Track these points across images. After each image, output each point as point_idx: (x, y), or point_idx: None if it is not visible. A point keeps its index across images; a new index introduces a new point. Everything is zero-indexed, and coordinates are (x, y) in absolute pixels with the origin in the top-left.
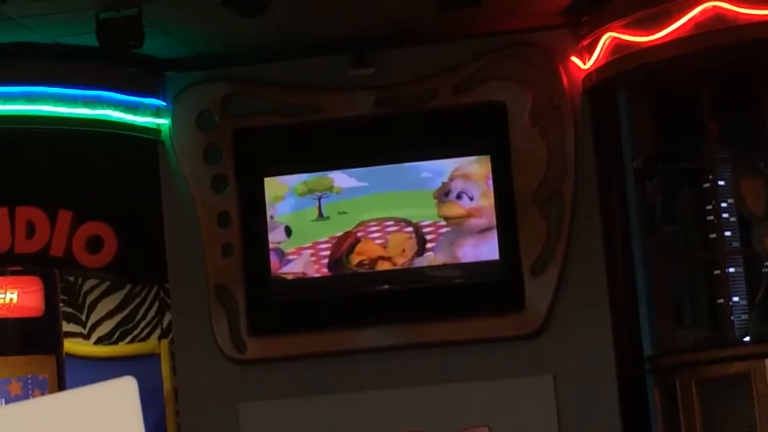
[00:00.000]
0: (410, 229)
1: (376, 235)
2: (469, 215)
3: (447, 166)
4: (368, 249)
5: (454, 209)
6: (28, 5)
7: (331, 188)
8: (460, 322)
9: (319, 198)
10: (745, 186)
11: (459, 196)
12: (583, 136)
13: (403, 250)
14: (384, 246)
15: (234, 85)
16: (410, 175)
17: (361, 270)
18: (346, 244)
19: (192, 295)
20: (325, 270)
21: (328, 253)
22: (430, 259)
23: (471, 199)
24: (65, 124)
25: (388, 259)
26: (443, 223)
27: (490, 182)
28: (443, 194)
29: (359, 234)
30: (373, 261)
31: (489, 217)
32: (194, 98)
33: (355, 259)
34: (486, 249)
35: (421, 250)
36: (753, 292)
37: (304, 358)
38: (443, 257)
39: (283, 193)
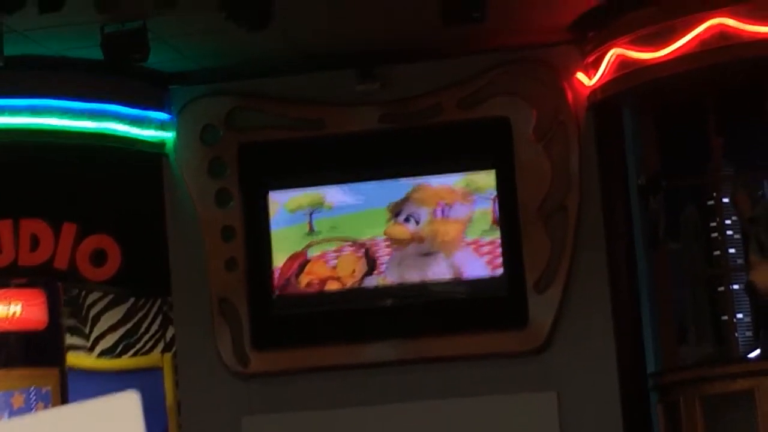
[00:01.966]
0: (354, 247)
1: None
2: (411, 239)
3: (406, 185)
4: (317, 269)
5: (399, 231)
6: (33, 18)
7: (322, 204)
8: (463, 338)
9: (310, 213)
10: (740, 197)
11: (407, 219)
12: (587, 151)
13: (353, 271)
14: (333, 266)
15: (239, 99)
16: (404, 191)
17: (311, 291)
18: (296, 264)
19: (195, 309)
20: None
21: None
22: (379, 279)
23: (417, 223)
24: (70, 137)
25: (337, 279)
26: (383, 239)
27: (439, 210)
28: (395, 214)
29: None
30: (323, 281)
31: (429, 244)
32: (199, 112)
33: (304, 280)
34: (431, 271)
35: (370, 270)
36: (757, 309)
37: (307, 372)
38: (392, 278)
39: (274, 209)
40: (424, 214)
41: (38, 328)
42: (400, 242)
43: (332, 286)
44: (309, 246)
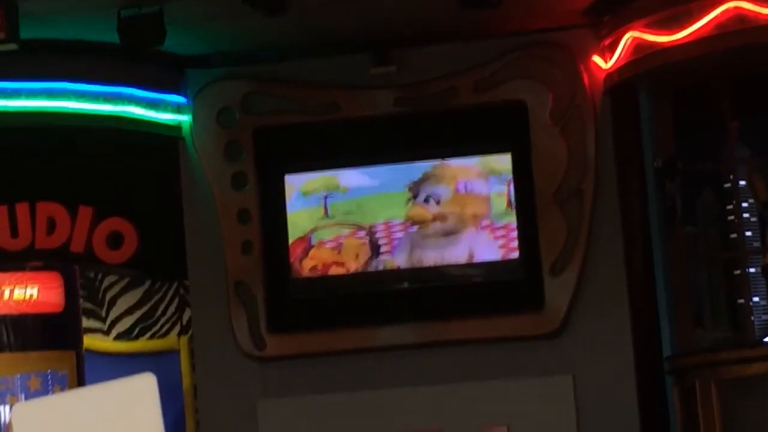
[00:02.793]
0: (362, 233)
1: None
2: (433, 219)
3: (422, 168)
4: (321, 254)
5: (420, 212)
6: (50, 2)
7: (337, 187)
8: (479, 321)
9: (325, 197)
10: (755, 179)
11: (426, 200)
12: (603, 135)
13: (357, 255)
14: (338, 251)
15: (255, 82)
16: (420, 174)
17: (314, 275)
18: (300, 249)
19: (211, 292)
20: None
21: None
22: (386, 262)
23: (438, 203)
24: (86, 120)
25: (342, 264)
26: (397, 222)
27: (461, 185)
28: (413, 196)
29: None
30: (327, 266)
31: (453, 222)
32: (215, 95)
33: (308, 264)
34: (448, 253)
35: (375, 254)
36: None
37: (323, 356)
38: (400, 261)
39: (289, 193)
40: (446, 191)
41: (55, 311)
42: (423, 224)
43: (337, 270)
44: (313, 230)
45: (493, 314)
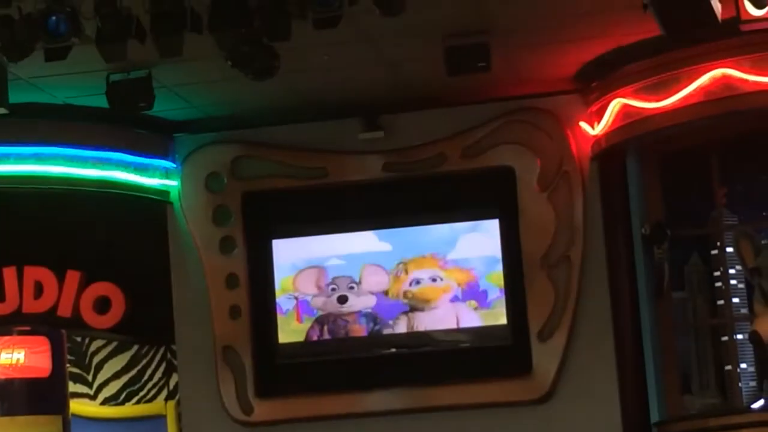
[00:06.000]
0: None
1: None
2: (443, 291)
3: (410, 234)
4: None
5: (432, 293)
6: (39, 66)
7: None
8: (467, 387)
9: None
10: (743, 245)
11: (434, 279)
12: (591, 201)
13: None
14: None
15: (243, 147)
16: (409, 239)
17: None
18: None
19: (199, 357)
20: None
21: None
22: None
23: (442, 279)
24: (75, 184)
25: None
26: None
27: (446, 262)
28: (414, 281)
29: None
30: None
31: (456, 290)
32: (204, 160)
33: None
34: (436, 321)
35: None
36: (760, 359)
37: (311, 421)
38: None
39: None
40: (439, 273)
41: (42, 376)
42: (431, 303)
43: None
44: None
45: (480, 380)
